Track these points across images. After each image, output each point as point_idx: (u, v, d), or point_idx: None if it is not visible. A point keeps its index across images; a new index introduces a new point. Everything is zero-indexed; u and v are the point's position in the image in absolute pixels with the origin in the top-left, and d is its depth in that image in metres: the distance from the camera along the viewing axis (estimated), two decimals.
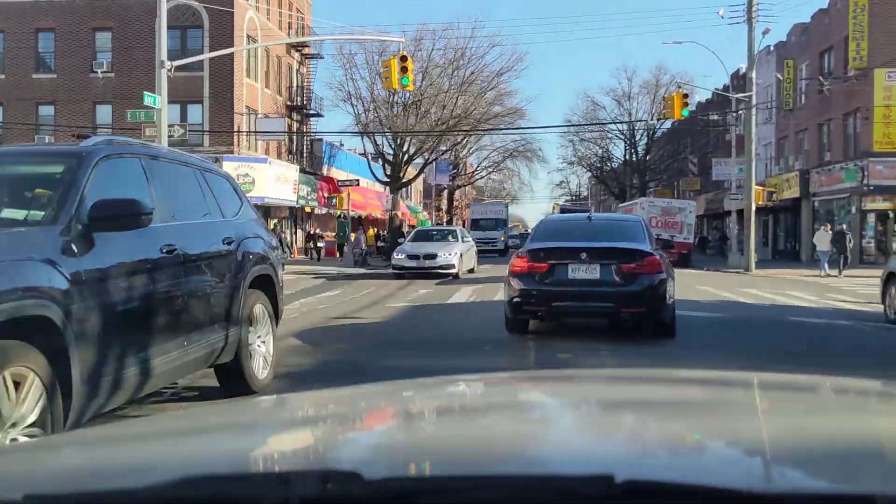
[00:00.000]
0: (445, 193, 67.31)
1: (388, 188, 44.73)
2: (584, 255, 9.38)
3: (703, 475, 1.12)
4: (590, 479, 1.01)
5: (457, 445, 1.41)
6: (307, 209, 40.33)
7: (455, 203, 69.69)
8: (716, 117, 43.32)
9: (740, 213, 36.91)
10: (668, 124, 62.96)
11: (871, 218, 32.46)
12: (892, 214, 32.02)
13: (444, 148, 45.51)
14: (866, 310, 14.67)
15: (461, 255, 22.87)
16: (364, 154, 43.94)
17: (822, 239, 27.12)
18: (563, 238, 10.16)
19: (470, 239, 26.99)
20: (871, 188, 31.41)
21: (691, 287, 19.49)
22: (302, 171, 40.21)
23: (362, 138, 42.21)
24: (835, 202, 35.05)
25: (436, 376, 2.34)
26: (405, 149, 42.82)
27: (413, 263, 22.67)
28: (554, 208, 76.80)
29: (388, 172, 43.78)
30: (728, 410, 1.74)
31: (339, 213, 42.43)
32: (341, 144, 46.98)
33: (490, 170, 67.39)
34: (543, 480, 1.08)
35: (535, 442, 1.47)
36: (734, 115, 39.29)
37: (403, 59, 20.01)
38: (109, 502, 1.12)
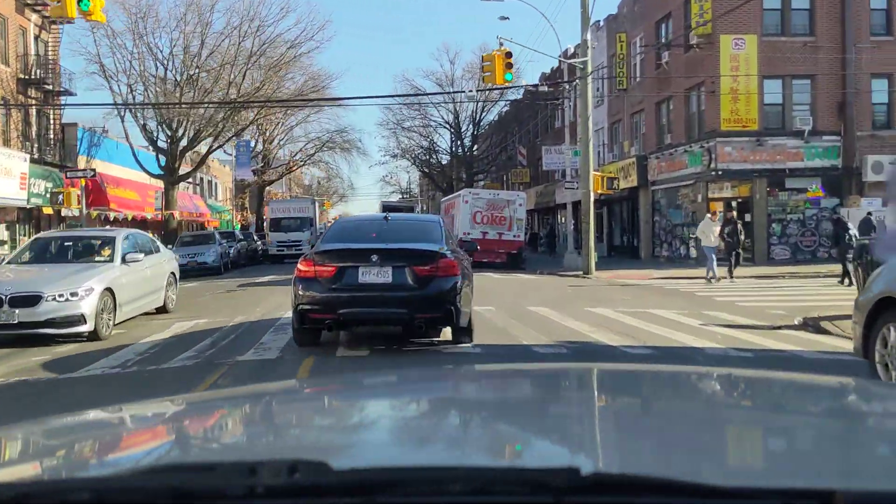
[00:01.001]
0: (256, 191, 59.50)
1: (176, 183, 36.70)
2: (374, 258, 8.72)
3: (665, 469, 1.15)
4: (557, 472, 1.03)
5: (424, 438, 1.47)
6: (47, 210, 31.56)
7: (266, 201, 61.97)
8: (546, 87, 38.26)
9: (576, 205, 32.12)
10: (493, 115, 58.51)
11: (719, 207, 28.31)
12: (735, 204, 28.03)
13: (231, 134, 37.86)
14: (800, 350, 9.14)
15: (110, 290, 11.34)
16: (127, 140, 35.53)
17: (710, 230, 20.38)
18: (355, 239, 9.42)
19: (161, 251, 15.29)
20: (720, 173, 27.25)
21: (521, 309, 13.61)
22: (41, 162, 31.50)
23: (122, 120, 34.03)
24: (677, 191, 30.87)
25: (395, 370, 2.67)
26: (181, 134, 35.01)
27: None
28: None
29: (164, 164, 35.84)
30: (689, 404, 1.83)
31: (95, 214, 34.10)
32: (105, 131, 38.22)
33: (303, 162, 60.12)
34: (512, 472, 1.12)
35: (502, 435, 1.50)
36: (567, 88, 34.42)
37: None
38: (75, 490, 1.11)
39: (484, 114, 55.50)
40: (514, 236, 30.71)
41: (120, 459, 1.40)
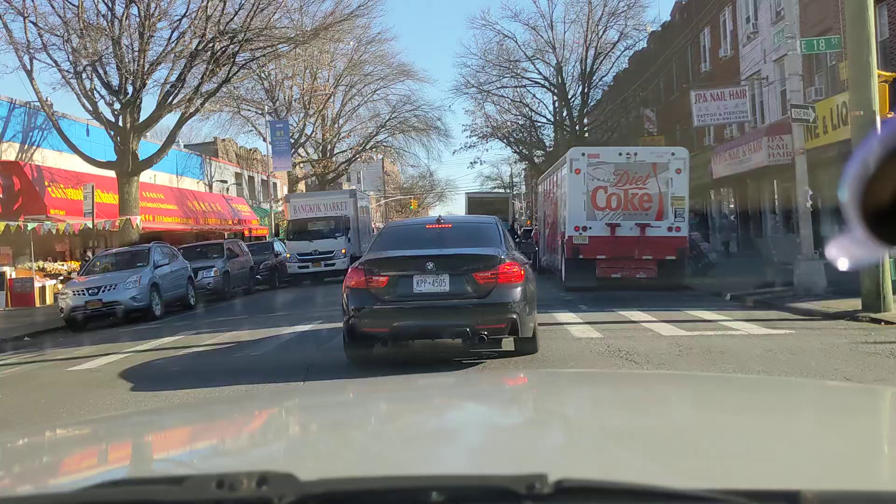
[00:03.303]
0: (317, 188, 47.48)
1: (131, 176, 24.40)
2: (430, 265, 8.09)
3: (634, 474, 1.16)
4: (524, 479, 1.03)
5: (389, 447, 1.48)
6: None
7: None
8: None
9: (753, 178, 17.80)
10: (606, 72, 43.91)
11: None
12: None
13: (214, 88, 24.91)
14: None
15: None
16: (43, 107, 23.43)
17: None
18: (407, 245, 8.74)
19: None
20: None
21: None
22: None
23: (30, 75, 21.89)
24: None
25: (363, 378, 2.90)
26: (136, 94, 22.69)
27: None
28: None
29: (116, 146, 23.70)
30: (659, 409, 1.87)
31: (14, 226, 22.38)
32: (50, 105, 26.39)
33: (362, 148, 47.51)
34: (479, 480, 1.11)
35: (470, 443, 1.52)
36: None
37: None
38: None
39: (597, 65, 41.02)
40: (671, 229, 16.69)
41: (86, 473, 1.39)
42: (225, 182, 43.94)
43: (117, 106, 23.26)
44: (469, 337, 8.09)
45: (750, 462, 1.26)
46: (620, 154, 17.19)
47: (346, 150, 49.29)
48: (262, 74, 43.59)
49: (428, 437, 1.55)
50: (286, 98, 44.28)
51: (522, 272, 8.28)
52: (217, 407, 2.21)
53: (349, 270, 8.68)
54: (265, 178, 49.94)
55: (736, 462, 1.26)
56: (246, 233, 42.40)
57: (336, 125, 48.47)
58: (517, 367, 7.93)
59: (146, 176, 34.24)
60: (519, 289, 8.05)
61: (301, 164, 46.96)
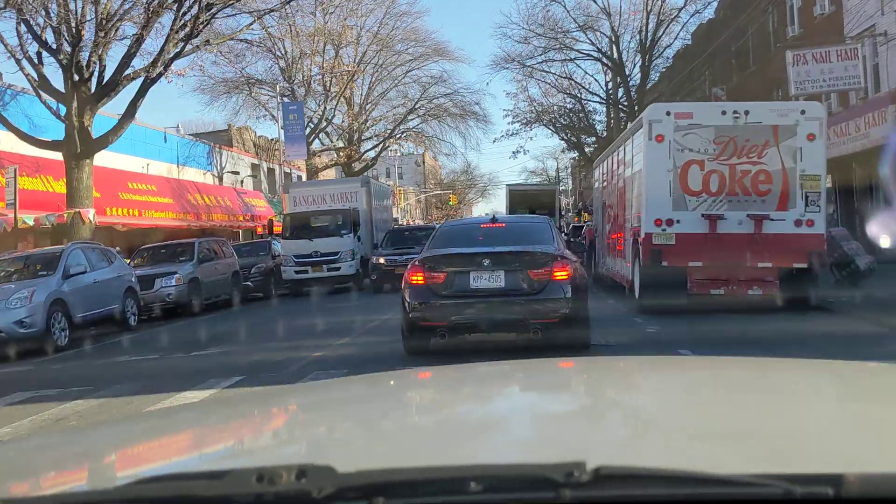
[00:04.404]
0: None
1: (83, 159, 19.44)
2: (486, 262, 8.41)
3: (675, 461, 1.13)
4: (562, 467, 1.02)
5: (426, 437, 1.49)
6: None
7: None
8: None
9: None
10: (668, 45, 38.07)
11: None
12: None
13: (178, 49, 19.71)
14: None
15: None
16: None
17: None
18: (463, 243, 9.03)
19: None
20: None
21: None
22: None
23: None
24: None
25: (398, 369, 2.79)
26: (73, 53, 17.80)
27: None
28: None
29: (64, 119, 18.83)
30: (702, 395, 1.81)
31: None
32: None
33: (388, 134, 42.36)
34: (517, 469, 1.11)
35: (507, 431, 1.51)
36: None
37: None
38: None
39: (659, 34, 35.25)
40: (800, 223, 11.21)
41: (125, 470, 1.39)
42: (237, 174, 39.15)
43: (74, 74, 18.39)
44: (523, 330, 8.42)
45: (793, 446, 1.24)
46: (724, 113, 11.63)
47: (372, 137, 44.23)
48: (279, 52, 39.13)
49: (468, 429, 1.52)
50: (304, 78, 39.38)
51: (574, 269, 8.54)
52: (253, 402, 2.10)
53: (409, 266, 8.90)
54: (288, 170, 45.21)
55: (779, 446, 1.24)
56: (259, 230, 37.75)
57: (363, 111, 43.46)
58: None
59: (138, 165, 29.68)
60: (572, 284, 8.30)
61: (324, 153, 42.17)
